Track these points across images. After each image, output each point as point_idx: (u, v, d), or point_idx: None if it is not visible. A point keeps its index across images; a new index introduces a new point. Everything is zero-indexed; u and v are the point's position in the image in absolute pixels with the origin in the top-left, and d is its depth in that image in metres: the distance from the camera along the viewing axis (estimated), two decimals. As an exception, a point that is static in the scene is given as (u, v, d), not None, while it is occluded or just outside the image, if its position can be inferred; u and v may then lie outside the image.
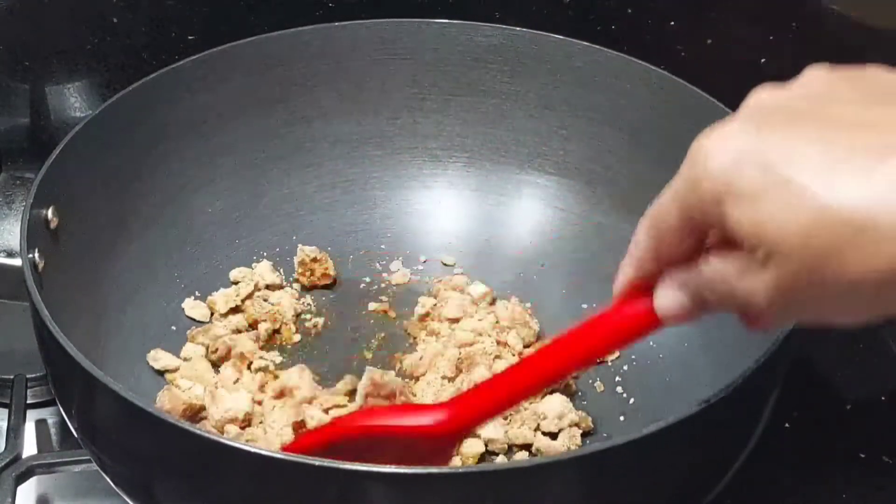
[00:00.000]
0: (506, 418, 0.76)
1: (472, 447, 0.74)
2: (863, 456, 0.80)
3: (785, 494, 0.78)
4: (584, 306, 0.84)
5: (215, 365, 0.79)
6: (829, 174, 0.47)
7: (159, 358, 0.79)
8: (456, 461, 0.73)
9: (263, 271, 0.85)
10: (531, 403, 0.77)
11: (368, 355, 0.82)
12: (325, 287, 0.86)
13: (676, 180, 0.51)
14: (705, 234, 0.52)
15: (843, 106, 0.49)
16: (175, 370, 0.79)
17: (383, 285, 0.87)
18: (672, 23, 0.97)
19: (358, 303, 0.86)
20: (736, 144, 0.49)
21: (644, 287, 0.55)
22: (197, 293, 0.83)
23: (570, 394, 0.79)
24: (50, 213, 0.73)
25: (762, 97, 0.52)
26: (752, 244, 0.49)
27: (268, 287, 0.84)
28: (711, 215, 0.50)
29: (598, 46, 0.86)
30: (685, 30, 0.98)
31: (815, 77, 0.52)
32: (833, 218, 0.46)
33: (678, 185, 0.51)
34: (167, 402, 0.75)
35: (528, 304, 0.85)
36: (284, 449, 0.68)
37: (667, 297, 0.54)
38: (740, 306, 0.51)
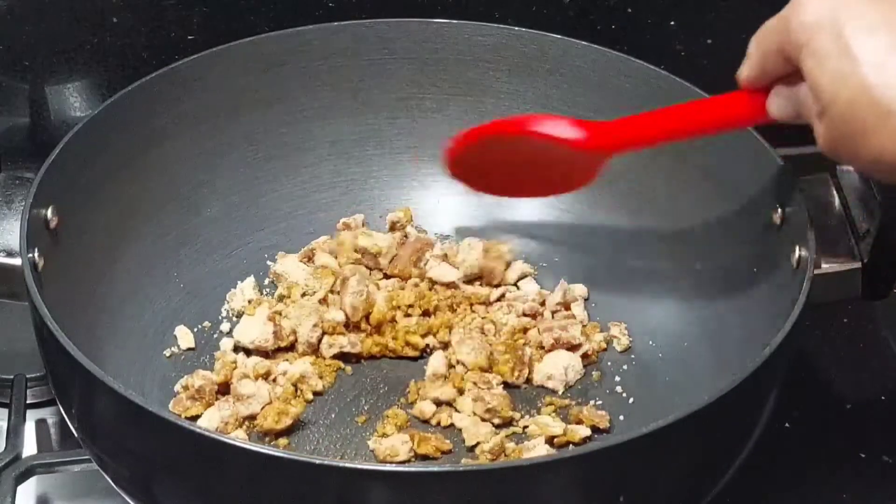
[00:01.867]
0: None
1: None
2: (863, 456, 0.80)
3: (785, 494, 0.78)
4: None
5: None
6: (885, 58, 0.53)
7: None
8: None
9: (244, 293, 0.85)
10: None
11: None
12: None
13: (780, 13, 0.59)
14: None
15: None
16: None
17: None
18: (672, 23, 0.97)
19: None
20: (825, 4, 0.56)
21: (766, 85, 0.65)
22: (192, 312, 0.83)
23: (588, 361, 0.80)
24: (50, 212, 0.73)
25: None
26: (814, 95, 0.57)
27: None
28: (794, 57, 0.58)
29: (598, 46, 0.86)
30: (685, 30, 0.98)
31: None
32: (871, 98, 0.53)
33: (780, 18, 0.59)
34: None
35: (528, 304, 0.85)
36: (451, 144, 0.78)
37: (775, 101, 0.63)
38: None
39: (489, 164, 0.78)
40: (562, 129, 0.73)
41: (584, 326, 0.82)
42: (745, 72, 0.64)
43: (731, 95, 0.67)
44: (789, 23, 0.58)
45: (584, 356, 0.80)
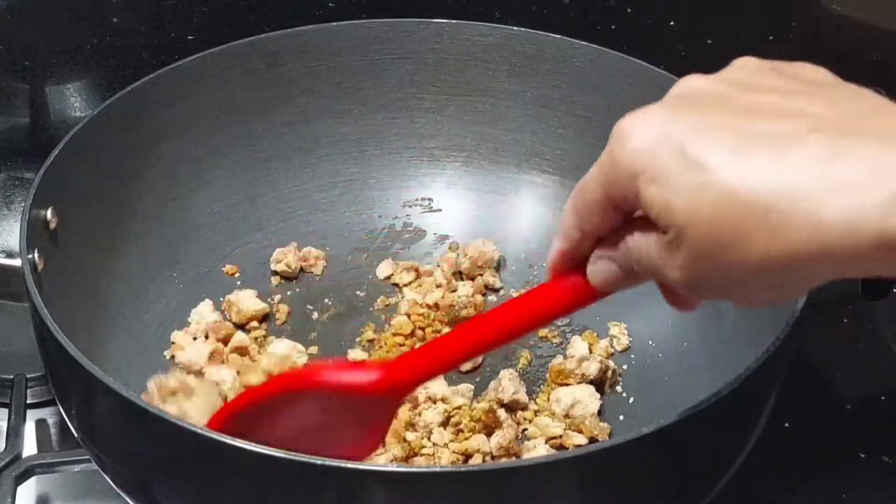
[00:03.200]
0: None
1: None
2: (863, 456, 0.80)
3: (785, 494, 0.78)
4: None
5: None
6: (738, 159, 0.48)
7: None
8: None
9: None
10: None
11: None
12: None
13: (601, 158, 0.53)
14: (629, 210, 0.53)
15: (762, 94, 0.51)
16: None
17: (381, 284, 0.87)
18: (672, 23, 0.97)
19: (353, 301, 0.86)
20: (654, 127, 0.50)
21: (579, 262, 0.57)
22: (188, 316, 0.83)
23: (604, 386, 0.79)
24: (49, 213, 0.73)
25: (688, 83, 0.53)
26: (663, 225, 0.50)
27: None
28: (629, 193, 0.51)
29: (597, 46, 0.86)
30: (685, 30, 0.98)
31: (742, 66, 0.53)
32: (738, 202, 0.48)
33: (601, 162, 0.53)
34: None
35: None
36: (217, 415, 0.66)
37: (597, 268, 0.56)
38: (660, 281, 0.53)
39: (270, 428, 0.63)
40: (350, 374, 0.61)
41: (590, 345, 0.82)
42: (558, 244, 0.57)
43: (542, 288, 0.59)
44: (616, 158, 0.51)
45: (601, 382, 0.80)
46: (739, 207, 0.48)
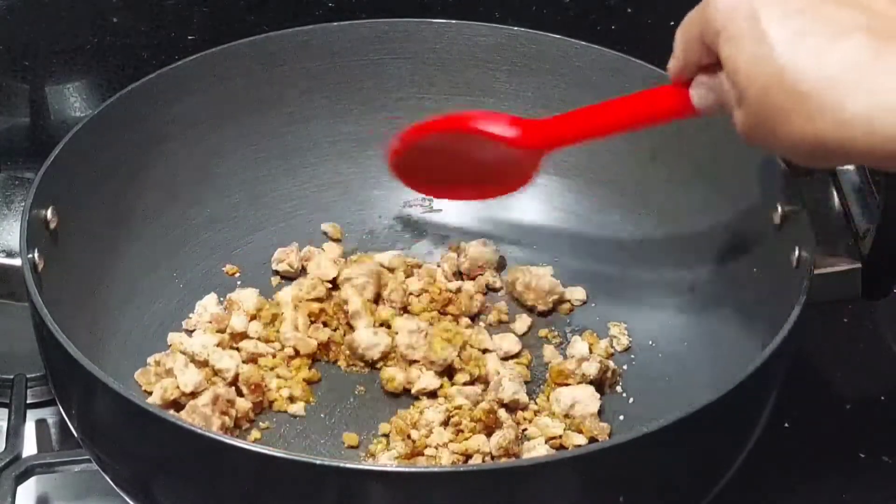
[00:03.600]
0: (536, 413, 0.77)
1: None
2: (863, 456, 0.80)
3: (785, 494, 0.78)
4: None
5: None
6: (799, 41, 0.54)
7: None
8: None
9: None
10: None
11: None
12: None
13: (700, 3, 0.60)
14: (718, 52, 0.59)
15: None
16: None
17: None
18: (672, 23, 0.97)
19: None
20: None
21: (690, 76, 0.65)
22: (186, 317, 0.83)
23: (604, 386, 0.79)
24: (49, 213, 0.73)
25: None
26: (732, 81, 0.57)
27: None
28: (713, 44, 0.58)
29: (597, 46, 0.86)
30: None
31: None
32: (784, 83, 0.54)
33: (698, 9, 0.60)
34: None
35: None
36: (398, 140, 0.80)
37: (696, 91, 0.64)
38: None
39: (430, 164, 0.81)
40: (497, 126, 0.76)
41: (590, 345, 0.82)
42: (671, 64, 0.65)
43: (661, 89, 0.68)
44: (707, 10, 0.58)
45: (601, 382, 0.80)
46: (785, 88, 0.54)
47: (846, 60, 0.53)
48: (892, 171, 0.59)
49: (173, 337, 0.80)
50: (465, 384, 0.78)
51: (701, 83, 0.63)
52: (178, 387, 0.74)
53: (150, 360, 0.77)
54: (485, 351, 0.81)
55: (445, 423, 0.75)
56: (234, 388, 0.76)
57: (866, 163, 0.59)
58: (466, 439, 0.74)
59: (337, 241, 0.88)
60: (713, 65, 0.61)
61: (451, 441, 0.74)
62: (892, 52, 0.52)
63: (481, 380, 0.78)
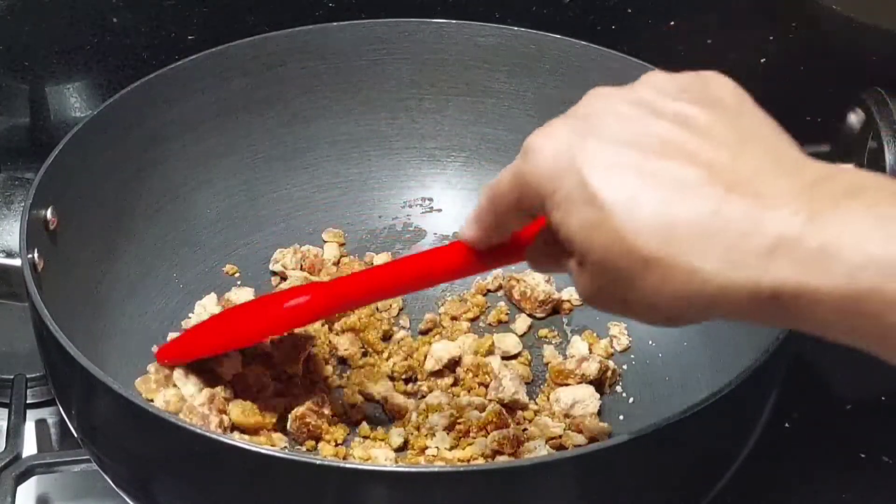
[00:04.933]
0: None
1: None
2: (863, 456, 0.80)
3: (785, 494, 0.78)
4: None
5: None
6: (631, 204, 0.49)
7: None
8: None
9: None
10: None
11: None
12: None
13: (512, 167, 0.55)
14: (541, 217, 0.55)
15: (665, 123, 0.51)
16: None
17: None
18: (672, 23, 0.97)
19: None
20: (560, 149, 0.52)
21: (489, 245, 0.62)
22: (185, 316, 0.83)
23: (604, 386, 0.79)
24: (49, 213, 0.73)
25: (595, 99, 0.55)
26: (569, 246, 0.52)
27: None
28: (538, 208, 0.53)
29: (597, 46, 0.86)
30: (685, 30, 0.98)
31: (651, 84, 0.54)
32: (627, 245, 0.49)
33: (512, 172, 0.55)
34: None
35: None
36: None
37: (538, 253, 0.61)
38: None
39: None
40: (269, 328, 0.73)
41: (590, 345, 0.82)
42: (469, 234, 0.61)
43: (451, 248, 0.64)
44: (525, 176, 0.53)
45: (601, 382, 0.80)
46: (626, 253, 0.49)
47: (690, 217, 0.48)
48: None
49: (173, 337, 0.80)
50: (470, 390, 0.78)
51: (535, 252, 0.61)
52: (181, 397, 0.74)
53: (151, 367, 0.77)
54: (487, 352, 0.81)
55: (449, 428, 0.75)
56: (231, 387, 0.76)
57: (735, 318, 0.50)
58: (469, 444, 0.74)
59: (341, 244, 0.88)
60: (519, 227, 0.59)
61: (453, 447, 0.74)
62: (736, 201, 0.48)
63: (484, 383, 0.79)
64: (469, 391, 0.78)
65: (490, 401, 0.76)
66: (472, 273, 0.66)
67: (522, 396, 0.77)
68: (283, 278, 0.85)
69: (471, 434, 0.74)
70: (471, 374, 0.78)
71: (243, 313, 0.76)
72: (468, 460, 0.73)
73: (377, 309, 0.83)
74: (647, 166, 0.50)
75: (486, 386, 0.78)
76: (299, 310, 0.70)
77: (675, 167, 0.50)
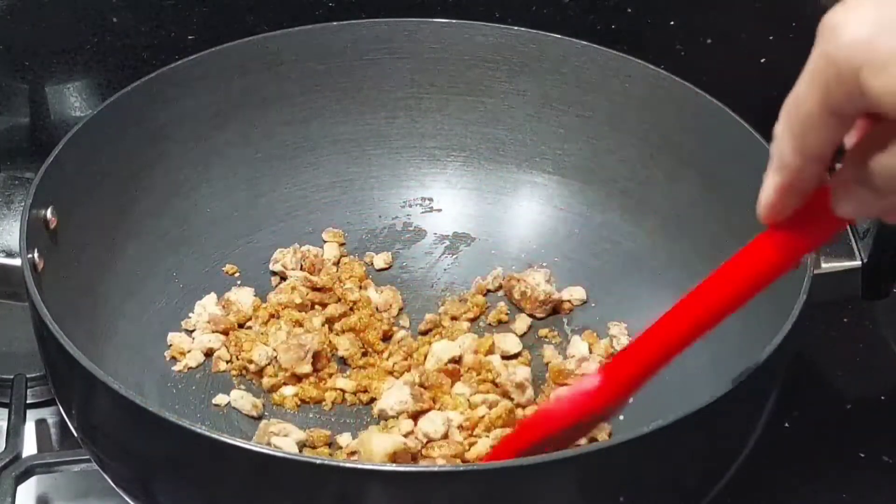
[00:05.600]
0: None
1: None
2: (863, 456, 0.80)
3: (785, 494, 0.78)
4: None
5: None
6: None
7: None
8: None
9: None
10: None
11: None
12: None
13: (809, 63, 0.49)
14: (854, 115, 0.49)
15: None
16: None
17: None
18: (672, 23, 0.97)
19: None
20: (868, 14, 0.48)
21: (801, 198, 0.52)
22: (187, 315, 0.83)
23: None
24: (49, 212, 0.73)
25: None
26: None
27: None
28: (853, 92, 0.47)
29: (598, 46, 0.86)
30: (685, 30, 0.98)
31: None
32: None
33: (812, 66, 0.49)
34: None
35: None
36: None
37: (846, 196, 0.51)
38: None
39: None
40: (581, 405, 0.61)
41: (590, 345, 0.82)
42: (776, 183, 0.53)
43: (756, 244, 0.56)
44: (831, 56, 0.48)
45: None
46: None
47: None
48: None
49: (173, 337, 0.80)
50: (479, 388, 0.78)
51: (844, 181, 0.51)
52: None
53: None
54: (487, 352, 0.81)
55: (461, 427, 0.75)
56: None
57: None
58: (473, 445, 0.74)
59: (341, 244, 0.88)
60: (831, 154, 0.51)
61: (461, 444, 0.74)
62: None
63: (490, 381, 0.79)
64: (477, 386, 0.78)
65: (502, 398, 0.76)
66: (783, 271, 0.56)
67: (530, 390, 0.77)
68: (283, 278, 0.85)
69: (476, 431, 0.74)
70: (474, 373, 0.78)
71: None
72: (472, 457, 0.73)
73: (377, 309, 0.83)
74: None
75: (492, 382, 0.78)
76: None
77: None
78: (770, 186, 0.53)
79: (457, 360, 0.79)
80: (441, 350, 0.79)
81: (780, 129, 0.51)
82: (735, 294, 0.56)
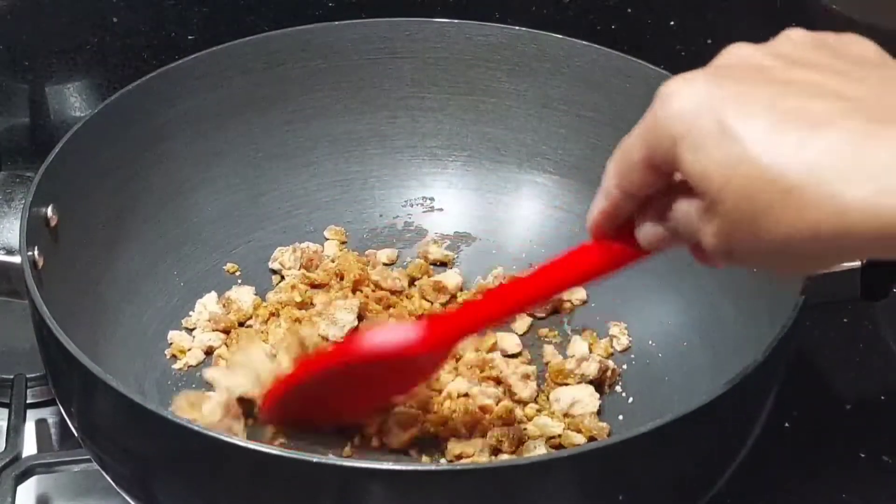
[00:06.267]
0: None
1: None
2: (863, 456, 0.80)
3: (785, 494, 0.78)
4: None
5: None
6: (771, 136, 0.49)
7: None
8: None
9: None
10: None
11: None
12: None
13: (642, 120, 0.54)
14: (669, 172, 0.54)
15: (804, 70, 0.52)
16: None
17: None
18: (672, 23, 0.97)
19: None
20: (696, 93, 0.51)
21: (618, 222, 0.59)
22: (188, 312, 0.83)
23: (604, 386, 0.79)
24: (49, 211, 0.73)
25: (734, 52, 0.54)
26: (700, 191, 0.52)
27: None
28: (669, 156, 0.52)
29: (598, 46, 0.86)
30: (685, 30, 0.98)
31: (789, 38, 0.55)
32: (766, 178, 0.49)
33: (643, 123, 0.54)
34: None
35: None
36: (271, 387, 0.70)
37: (645, 230, 0.58)
38: (696, 244, 0.54)
39: (315, 401, 0.70)
40: (392, 339, 0.65)
41: (589, 344, 0.82)
42: (598, 209, 0.59)
43: (583, 249, 0.62)
44: (657, 122, 0.52)
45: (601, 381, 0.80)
46: (767, 184, 0.49)
47: (832, 147, 0.48)
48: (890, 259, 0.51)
49: (173, 335, 0.81)
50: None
51: (647, 219, 0.57)
52: None
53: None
54: (488, 351, 0.81)
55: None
56: None
57: (865, 254, 0.53)
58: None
59: (342, 242, 0.88)
60: (656, 198, 0.56)
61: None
62: (880, 132, 0.48)
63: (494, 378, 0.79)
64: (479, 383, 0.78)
65: (505, 394, 0.77)
66: (597, 276, 0.62)
67: (533, 385, 0.77)
68: (283, 277, 0.85)
69: (477, 427, 0.74)
70: (476, 370, 0.78)
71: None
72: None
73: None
74: (787, 103, 0.50)
75: (494, 380, 0.78)
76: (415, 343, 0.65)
77: (817, 103, 0.50)
78: (595, 208, 0.59)
79: (457, 358, 0.79)
80: None
81: (611, 166, 0.57)
82: (560, 284, 0.64)
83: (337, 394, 0.69)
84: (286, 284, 0.83)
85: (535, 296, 0.65)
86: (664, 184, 0.55)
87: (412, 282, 0.86)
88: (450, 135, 0.90)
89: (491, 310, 0.65)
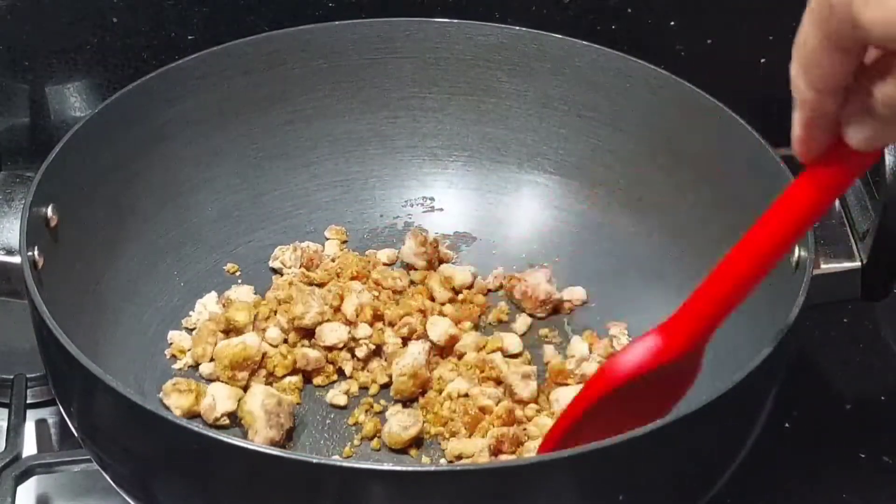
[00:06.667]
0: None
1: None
2: (863, 456, 0.80)
3: (785, 494, 0.78)
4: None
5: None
6: None
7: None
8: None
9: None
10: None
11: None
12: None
13: (808, 5, 0.50)
14: (854, 48, 0.50)
15: None
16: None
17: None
18: (672, 23, 0.97)
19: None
20: None
21: (827, 130, 0.53)
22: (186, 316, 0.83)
23: None
24: (50, 211, 0.73)
25: None
26: (891, 43, 0.48)
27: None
28: (846, 23, 0.48)
29: (598, 46, 0.86)
30: (685, 30, 0.98)
31: None
32: None
33: (811, 6, 0.50)
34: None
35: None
36: (541, 450, 0.68)
37: (854, 126, 0.53)
38: None
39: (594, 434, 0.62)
40: (642, 358, 0.63)
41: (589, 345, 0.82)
42: (800, 119, 0.54)
43: (795, 185, 0.56)
44: None
45: None
46: None
47: None
48: None
49: (173, 335, 0.81)
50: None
51: (852, 114, 0.52)
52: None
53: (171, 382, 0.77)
54: (489, 351, 0.81)
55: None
56: None
57: None
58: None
59: (343, 242, 0.88)
60: (842, 84, 0.52)
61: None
62: None
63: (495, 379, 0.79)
64: (480, 383, 0.78)
65: (505, 395, 0.77)
66: (822, 205, 0.56)
67: (533, 392, 0.77)
68: (283, 276, 0.85)
69: (478, 427, 0.74)
70: (477, 370, 0.78)
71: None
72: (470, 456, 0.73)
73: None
74: None
75: (494, 380, 0.78)
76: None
77: None
78: (796, 122, 0.54)
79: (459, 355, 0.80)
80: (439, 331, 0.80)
81: (793, 66, 0.52)
82: (781, 236, 0.58)
83: (612, 423, 0.62)
84: (283, 281, 0.83)
85: (765, 252, 0.59)
86: (855, 67, 0.51)
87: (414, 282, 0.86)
88: (450, 135, 0.90)
89: (724, 286, 0.61)
